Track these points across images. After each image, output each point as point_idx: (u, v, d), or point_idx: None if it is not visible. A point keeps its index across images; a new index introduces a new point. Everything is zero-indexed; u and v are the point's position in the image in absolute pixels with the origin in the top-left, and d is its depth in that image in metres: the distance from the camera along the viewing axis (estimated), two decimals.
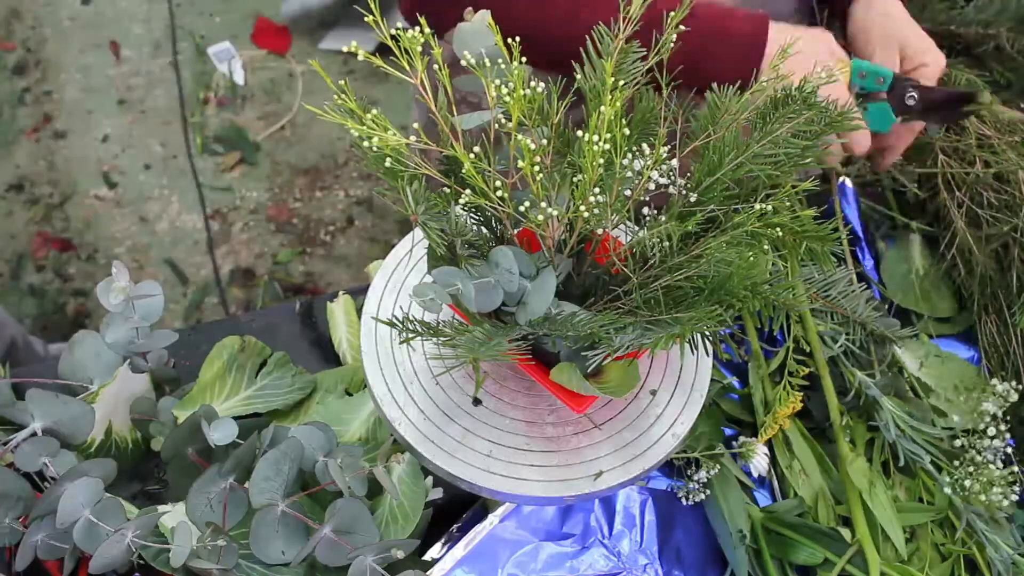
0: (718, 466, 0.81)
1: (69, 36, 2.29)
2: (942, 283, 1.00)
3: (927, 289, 0.99)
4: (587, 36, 0.60)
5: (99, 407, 0.75)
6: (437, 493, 0.76)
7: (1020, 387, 0.87)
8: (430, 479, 0.75)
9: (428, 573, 0.73)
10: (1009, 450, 0.84)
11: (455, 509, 0.78)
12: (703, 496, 0.81)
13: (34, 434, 0.70)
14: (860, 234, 0.99)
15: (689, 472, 0.82)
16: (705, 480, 0.81)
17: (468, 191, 0.56)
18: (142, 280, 0.76)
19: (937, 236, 1.01)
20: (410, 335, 0.56)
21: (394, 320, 0.56)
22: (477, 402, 0.69)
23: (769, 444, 0.86)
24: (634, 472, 0.66)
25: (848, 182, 1.01)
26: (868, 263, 0.98)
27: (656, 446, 0.67)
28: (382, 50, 0.52)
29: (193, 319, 1.91)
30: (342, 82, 0.53)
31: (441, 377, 0.70)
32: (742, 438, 0.85)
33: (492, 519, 0.76)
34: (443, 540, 0.76)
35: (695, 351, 0.59)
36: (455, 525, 0.77)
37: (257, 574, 0.70)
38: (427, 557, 0.75)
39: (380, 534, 0.70)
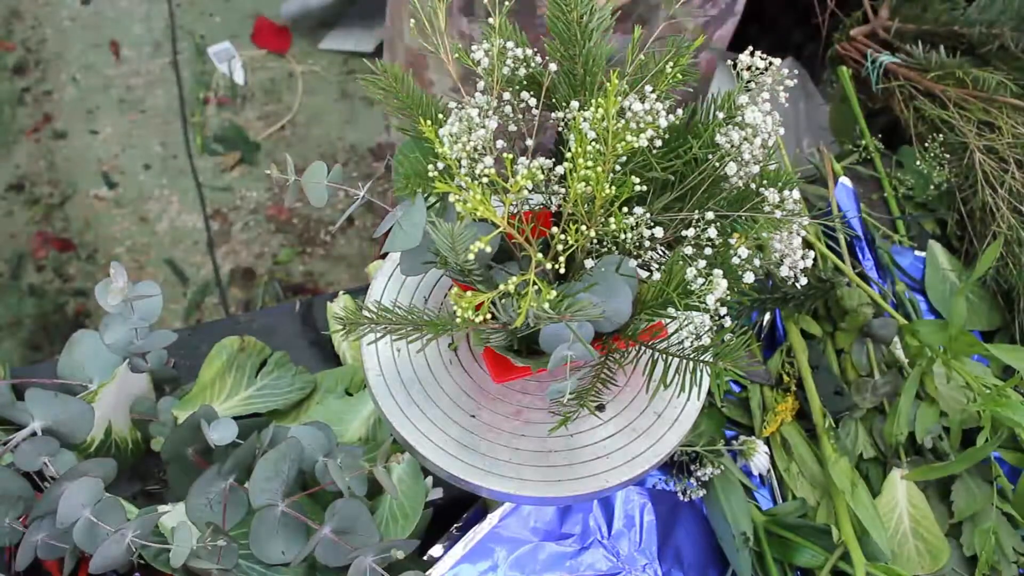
0: (722, 466, 0.81)
1: (69, 36, 2.29)
2: (985, 292, 0.98)
3: (973, 301, 0.97)
4: None
5: (99, 407, 0.75)
6: (437, 493, 0.76)
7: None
8: (430, 479, 0.75)
9: (428, 573, 0.73)
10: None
11: (455, 509, 0.78)
12: (701, 493, 0.81)
13: (34, 434, 0.70)
14: (860, 233, 0.99)
15: (692, 468, 0.82)
16: (707, 478, 0.81)
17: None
18: (142, 280, 0.76)
19: (951, 240, 1.00)
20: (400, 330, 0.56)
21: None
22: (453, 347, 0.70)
23: (768, 446, 0.86)
24: (634, 472, 0.66)
25: (847, 182, 1.01)
26: (868, 263, 0.98)
27: (656, 446, 0.67)
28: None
29: (193, 319, 1.91)
30: None
31: (442, 377, 0.70)
32: (742, 437, 0.85)
33: (492, 519, 0.76)
34: (443, 540, 0.76)
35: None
36: (455, 525, 0.77)
37: (257, 574, 0.70)
38: (427, 557, 0.75)
39: (380, 534, 0.70)
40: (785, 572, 0.80)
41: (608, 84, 0.51)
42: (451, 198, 0.50)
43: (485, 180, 0.54)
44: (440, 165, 0.57)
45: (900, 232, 1.04)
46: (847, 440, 0.85)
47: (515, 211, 0.55)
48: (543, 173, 0.56)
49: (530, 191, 0.56)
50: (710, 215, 0.56)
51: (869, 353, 0.90)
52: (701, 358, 0.56)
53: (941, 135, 1.02)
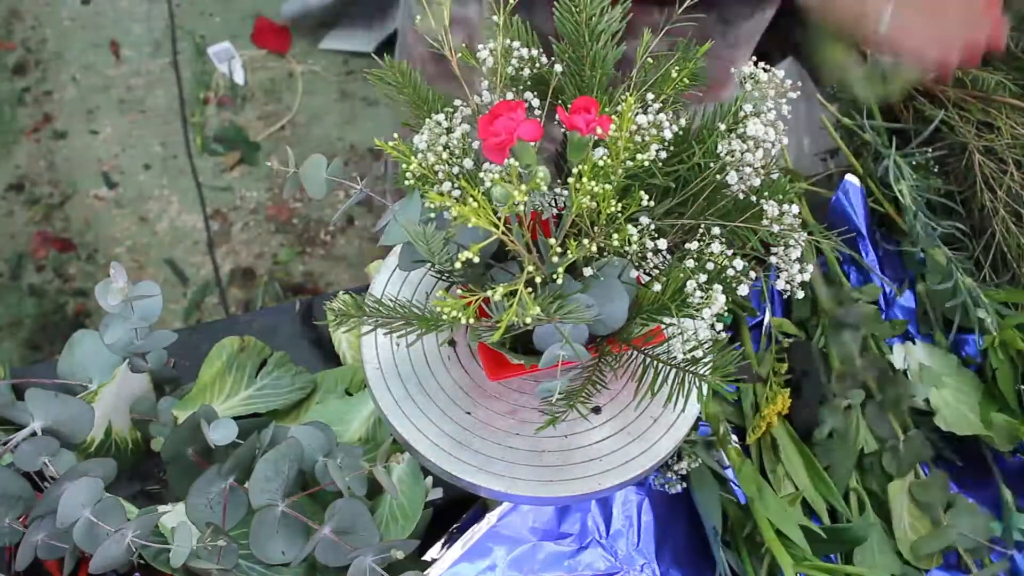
0: (698, 459, 0.80)
1: (69, 36, 2.29)
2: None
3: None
4: None
5: (99, 407, 0.75)
6: (437, 493, 0.76)
7: None
8: (430, 479, 0.75)
9: (427, 573, 0.73)
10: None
11: (455, 509, 0.78)
12: (680, 487, 0.81)
13: (34, 434, 0.70)
14: (864, 231, 0.99)
15: (670, 462, 0.81)
16: (684, 471, 0.80)
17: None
18: (142, 280, 0.76)
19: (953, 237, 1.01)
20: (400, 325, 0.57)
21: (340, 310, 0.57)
22: (452, 343, 0.70)
23: (758, 445, 0.86)
24: (627, 476, 0.66)
25: (854, 180, 1.00)
26: (871, 260, 0.98)
27: (651, 450, 0.67)
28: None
29: (193, 319, 1.91)
30: None
31: (440, 373, 0.70)
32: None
33: (490, 518, 0.76)
34: (443, 540, 0.76)
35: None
36: (455, 525, 0.77)
37: (257, 574, 0.70)
38: (427, 557, 0.75)
39: (380, 534, 0.70)
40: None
41: (617, 94, 0.50)
42: (429, 199, 0.50)
43: (488, 184, 0.53)
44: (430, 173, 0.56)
45: None
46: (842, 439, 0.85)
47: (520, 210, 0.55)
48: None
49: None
50: (716, 230, 0.55)
51: (848, 343, 0.90)
52: (691, 369, 0.56)
53: (940, 135, 1.02)
